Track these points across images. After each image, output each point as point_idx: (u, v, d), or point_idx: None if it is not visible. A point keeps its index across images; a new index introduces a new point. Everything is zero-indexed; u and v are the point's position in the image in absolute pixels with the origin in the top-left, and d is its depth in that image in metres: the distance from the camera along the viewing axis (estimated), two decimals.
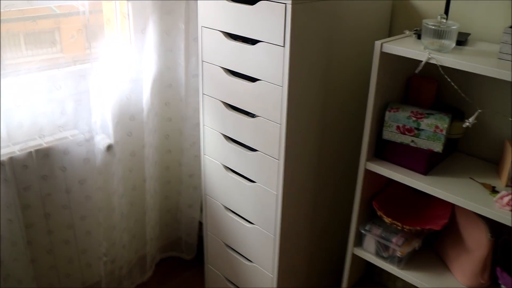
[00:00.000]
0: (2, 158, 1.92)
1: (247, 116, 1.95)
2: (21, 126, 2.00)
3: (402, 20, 2.03)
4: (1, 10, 1.80)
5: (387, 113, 1.76)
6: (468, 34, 1.75)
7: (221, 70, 1.99)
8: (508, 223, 1.51)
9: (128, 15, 2.23)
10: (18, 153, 1.96)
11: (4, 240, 2.00)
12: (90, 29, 2.03)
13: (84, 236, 2.32)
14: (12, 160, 1.94)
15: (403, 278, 1.89)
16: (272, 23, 1.69)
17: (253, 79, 1.86)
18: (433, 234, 1.98)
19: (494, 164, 1.85)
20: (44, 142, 2.04)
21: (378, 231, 1.93)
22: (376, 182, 1.98)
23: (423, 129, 1.71)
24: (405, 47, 1.62)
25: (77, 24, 2.02)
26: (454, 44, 1.58)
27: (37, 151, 2.01)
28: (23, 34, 1.97)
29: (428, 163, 1.74)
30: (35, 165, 2.02)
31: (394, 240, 1.87)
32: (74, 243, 2.30)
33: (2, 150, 1.94)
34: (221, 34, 1.93)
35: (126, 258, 2.56)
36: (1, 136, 1.93)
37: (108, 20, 2.22)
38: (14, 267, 2.06)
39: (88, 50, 2.06)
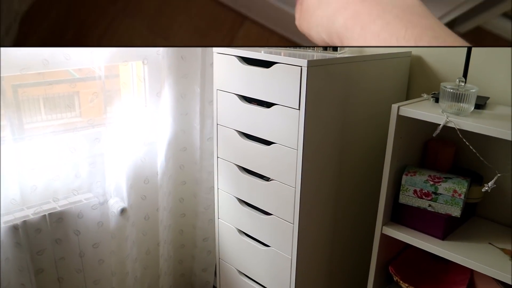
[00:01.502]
0: (15, 222, 1.90)
1: (262, 180, 1.93)
2: (35, 189, 1.99)
3: (420, 83, 2.03)
4: (18, 73, 1.82)
5: (404, 176, 1.73)
6: (487, 98, 1.74)
7: (236, 133, 1.99)
8: None
9: (144, 78, 2.26)
10: (32, 216, 1.95)
11: None
12: (107, 94, 2.05)
13: None
14: (25, 224, 1.93)
15: None
16: (287, 86, 1.70)
17: (268, 142, 1.86)
18: None
19: None
20: (58, 205, 2.03)
21: None
22: (393, 246, 1.94)
23: (441, 193, 1.68)
24: (423, 111, 1.61)
25: (95, 89, 2.05)
26: (472, 108, 1.57)
27: (50, 214, 1.99)
28: (43, 98, 1.99)
29: (446, 228, 1.70)
30: (48, 228, 2.01)
31: None
32: None
33: (15, 214, 1.93)
34: (236, 97, 1.94)
35: None
36: (15, 200, 1.93)
37: (124, 83, 2.25)
38: None
39: (104, 114, 2.07)
